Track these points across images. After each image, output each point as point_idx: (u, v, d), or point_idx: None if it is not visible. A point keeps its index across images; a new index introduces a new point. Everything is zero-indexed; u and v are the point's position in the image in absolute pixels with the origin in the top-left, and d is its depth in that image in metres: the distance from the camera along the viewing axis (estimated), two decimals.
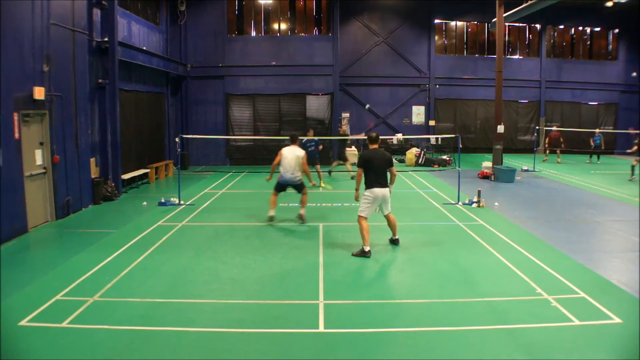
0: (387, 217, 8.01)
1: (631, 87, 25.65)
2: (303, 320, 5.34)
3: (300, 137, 14.73)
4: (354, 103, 23.74)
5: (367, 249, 7.51)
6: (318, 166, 14.29)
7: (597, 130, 21.79)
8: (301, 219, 9.76)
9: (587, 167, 19.58)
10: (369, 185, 7.55)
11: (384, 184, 7.61)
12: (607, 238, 8.99)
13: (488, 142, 23.02)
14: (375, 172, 7.55)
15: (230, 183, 15.31)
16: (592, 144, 21.59)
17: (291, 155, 9.61)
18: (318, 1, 21.47)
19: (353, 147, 21.22)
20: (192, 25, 19.63)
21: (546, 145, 22.11)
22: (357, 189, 7.87)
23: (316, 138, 14.58)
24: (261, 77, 20.06)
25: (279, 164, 9.66)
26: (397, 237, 8.16)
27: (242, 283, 6.49)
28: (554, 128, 21.89)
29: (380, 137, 18.97)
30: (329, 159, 19.99)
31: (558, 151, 21.24)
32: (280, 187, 9.84)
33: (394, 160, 8.60)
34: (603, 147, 21.56)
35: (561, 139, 21.06)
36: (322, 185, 14.32)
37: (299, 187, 9.78)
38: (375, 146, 7.85)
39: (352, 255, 7.55)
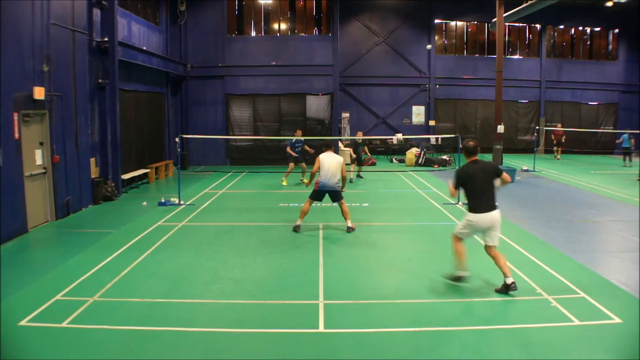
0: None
1: (631, 87, 25.64)
2: (303, 320, 5.34)
3: (290, 137, 15.09)
4: (354, 103, 23.75)
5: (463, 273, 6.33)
6: (303, 164, 14.73)
7: (627, 131, 20.32)
8: (351, 230, 9.09)
9: (587, 168, 19.52)
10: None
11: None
12: (607, 238, 8.99)
13: (488, 142, 22.99)
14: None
15: (230, 183, 15.31)
16: (622, 144, 20.04)
17: (330, 160, 9.01)
18: (318, 1, 21.47)
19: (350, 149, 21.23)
20: (192, 25, 19.62)
21: (554, 142, 22.22)
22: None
23: (302, 138, 14.94)
24: (261, 77, 20.06)
25: (318, 171, 9.06)
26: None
27: (242, 283, 6.49)
28: (559, 127, 22.18)
29: (380, 137, 18.81)
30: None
31: (559, 149, 22.02)
32: (318, 194, 9.19)
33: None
34: (633, 147, 20.28)
35: (564, 138, 21.79)
36: (305, 180, 14.59)
37: (337, 195, 9.15)
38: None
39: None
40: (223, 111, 20.08)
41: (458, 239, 6.36)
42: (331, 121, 20.25)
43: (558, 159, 21.89)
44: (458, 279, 6.30)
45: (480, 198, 6.10)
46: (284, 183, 14.76)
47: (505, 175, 6.24)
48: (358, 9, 23.20)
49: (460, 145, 12.49)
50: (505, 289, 5.95)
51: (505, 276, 5.99)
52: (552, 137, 22.47)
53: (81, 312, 5.48)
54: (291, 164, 14.69)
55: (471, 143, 6.32)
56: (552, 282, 6.40)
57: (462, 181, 6.23)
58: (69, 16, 10.47)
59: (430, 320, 5.36)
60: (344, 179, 9.15)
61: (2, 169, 8.22)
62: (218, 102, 20.02)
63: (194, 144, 19.45)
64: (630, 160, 20.21)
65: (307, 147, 14.93)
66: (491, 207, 6.06)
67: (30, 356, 4.57)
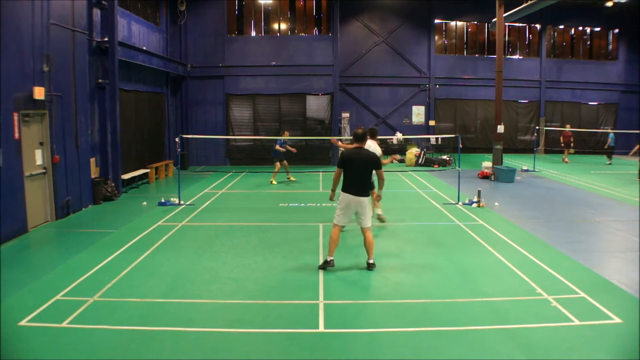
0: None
1: (631, 87, 25.64)
2: (303, 320, 5.34)
3: (278, 137, 15.43)
4: (354, 103, 23.75)
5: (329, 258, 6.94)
6: (285, 162, 15.34)
7: (610, 131, 21.24)
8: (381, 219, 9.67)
9: (587, 167, 19.52)
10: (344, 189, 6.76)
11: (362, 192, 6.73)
12: (607, 238, 8.99)
13: (488, 142, 23.02)
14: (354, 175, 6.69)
15: (230, 183, 15.32)
16: (608, 144, 20.79)
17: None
18: (318, 1, 21.46)
19: None
20: (192, 25, 19.62)
21: (562, 145, 21.99)
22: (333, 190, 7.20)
23: (289, 138, 15.57)
24: (261, 77, 20.06)
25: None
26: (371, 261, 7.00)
27: (242, 283, 6.49)
28: (568, 127, 22.04)
29: (380, 137, 19.01)
30: (329, 160, 20.02)
31: (567, 151, 21.85)
32: None
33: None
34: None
35: (572, 139, 21.68)
36: (292, 178, 15.74)
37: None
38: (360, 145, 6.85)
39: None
40: (223, 111, 20.08)
41: (336, 226, 6.86)
42: (331, 121, 20.25)
43: (566, 161, 21.35)
44: (326, 263, 6.87)
45: (353, 181, 6.67)
46: (274, 182, 15.04)
47: (381, 172, 6.83)
48: (358, 9, 23.19)
49: (460, 145, 12.47)
50: (368, 267, 6.92)
51: (369, 257, 6.94)
52: (561, 138, 22.13)
53: (81, 312, 5.48)
54: (277, 164, 15.06)
55: (359, 130, 6.88)
56: (552, 282, 6.40)
57: (343, 163, 6.70)
58: (69, 16, 10.47)
59: (430, 320, 5.36)
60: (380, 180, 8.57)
61: (2, 169, 8.22)
62: (218, 102, 20.02)
63: (194, 144, 19.45)
64: (610, 159, 20.80)
65: (289, 147, 15.20)
66: (361, 192, 6.69)
67: (30, 356, 4.57)
